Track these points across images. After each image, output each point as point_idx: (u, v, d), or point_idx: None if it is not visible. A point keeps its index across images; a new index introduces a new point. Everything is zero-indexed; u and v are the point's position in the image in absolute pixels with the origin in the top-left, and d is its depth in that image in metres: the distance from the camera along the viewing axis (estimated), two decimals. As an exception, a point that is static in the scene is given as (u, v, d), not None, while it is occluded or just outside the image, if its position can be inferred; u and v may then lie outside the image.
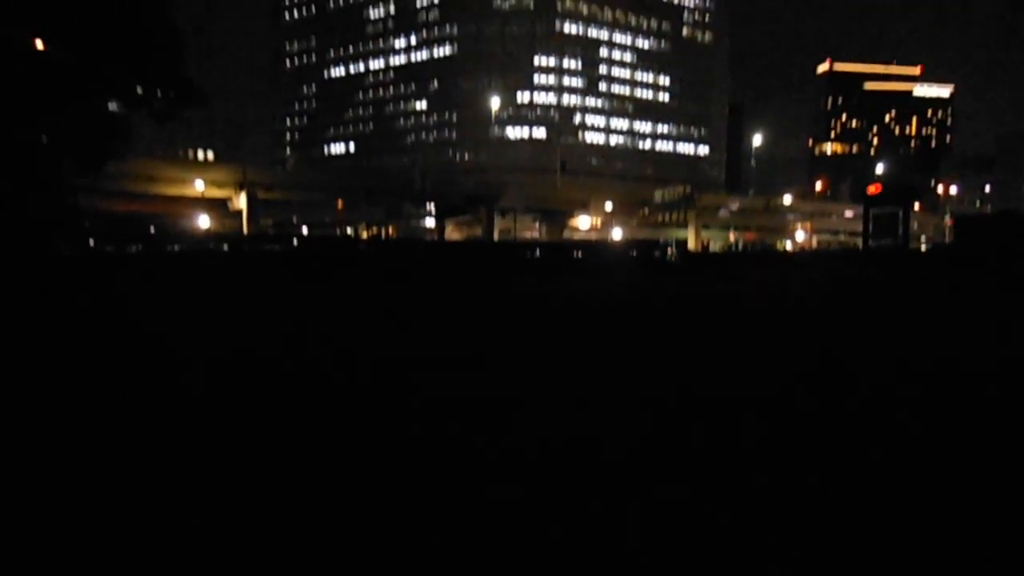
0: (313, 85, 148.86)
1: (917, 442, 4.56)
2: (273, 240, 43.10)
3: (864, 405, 5.59)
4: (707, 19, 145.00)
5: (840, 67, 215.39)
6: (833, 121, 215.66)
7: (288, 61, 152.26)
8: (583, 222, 77.82)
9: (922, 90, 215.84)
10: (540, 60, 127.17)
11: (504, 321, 12.10)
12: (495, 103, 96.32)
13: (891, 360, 7.84)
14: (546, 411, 5.34)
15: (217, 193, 59.83)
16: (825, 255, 51.47)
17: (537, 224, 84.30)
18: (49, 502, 3.49)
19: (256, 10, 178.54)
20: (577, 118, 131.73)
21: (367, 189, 73.63)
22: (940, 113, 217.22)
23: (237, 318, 12.36)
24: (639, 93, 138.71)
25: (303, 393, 5.97)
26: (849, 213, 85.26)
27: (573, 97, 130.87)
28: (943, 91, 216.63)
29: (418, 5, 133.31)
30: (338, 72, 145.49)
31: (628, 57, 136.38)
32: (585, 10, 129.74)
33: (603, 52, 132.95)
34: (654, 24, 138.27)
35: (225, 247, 33.77)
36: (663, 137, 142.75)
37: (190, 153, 66.82)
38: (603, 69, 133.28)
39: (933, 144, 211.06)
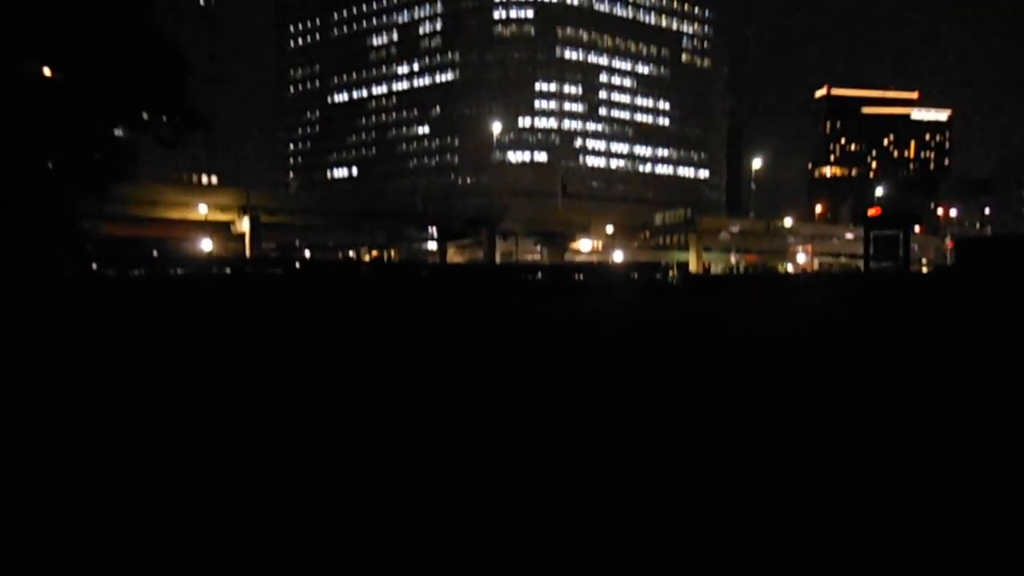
0: (316, 110, 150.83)
1: (917, 468, 4.49)
2: (275, 263, 43.23)
3: (860, 431, 5.52)
4: (705, 45, 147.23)
5: (838, 92, 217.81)
6: (832, 144, 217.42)
7: (292, 87, 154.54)
8: (584, 245, 78.06)
9: (920, 114, 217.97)
10: (541, 86, 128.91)
11: (507, 343, 12.05)
12: (496, 127, 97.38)
13: (890, 384, 7.76)
14: (549, 431, 5.28)
15: (220, 217, 60.18)
16: (826, 277, 51.48)
17: (538, 247, 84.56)
18: (52, 522, 3.44)
19: (262, 37, 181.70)
20: (578, 142, 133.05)
21: (369, 213, 74.05)
22: (938, 136, 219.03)
23: (235, 341, 12.32)
24: (639, 117, 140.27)
25: (300, 422, 5.91)
26: (850, 235, 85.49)
27: (574, 122, 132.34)
28: (941, 115, 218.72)
29: (420, 32, 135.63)
30: (341, 97, 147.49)
31: (628, 82, 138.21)
32: (585, 37, 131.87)
33: (603, 78, 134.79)
34: (653, 50, 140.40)
35: (227, 270, 33.86)
36: (663, 161, 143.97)
37: (194, 177, 67.42)
38: (603, 94, 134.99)
39: (932, 167, 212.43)
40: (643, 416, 5.96)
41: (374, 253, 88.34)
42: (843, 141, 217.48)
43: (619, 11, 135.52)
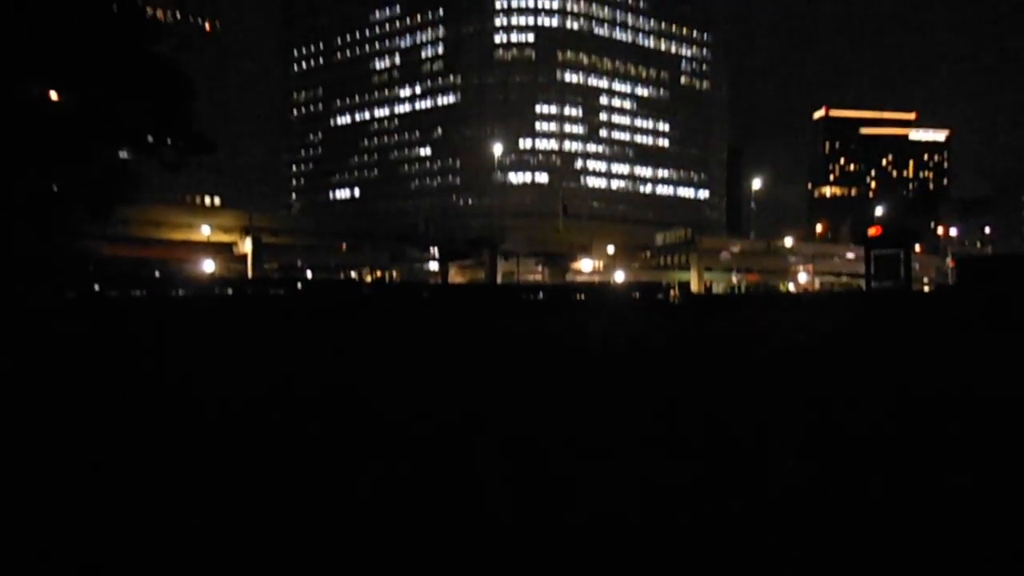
0: (319, 132, 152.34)
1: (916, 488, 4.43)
2: (277, 284, 43.30)
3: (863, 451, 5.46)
4: (704, 68, 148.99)
5: (835, 113, 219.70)
6: (831, 165, 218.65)
7: (296, 110, 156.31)
8: (586, 265, 78.15)
9: (918, 135, 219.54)
10: (542, 108, 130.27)
11: (509, 364, 12.00)
12: (498, 149, 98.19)
13: (894, 401, 7.70)
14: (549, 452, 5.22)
15: (223, 238, 60.42)
16: (830, 297, 51.39)
17: (540, 267, 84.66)
18: (53, 542, 3.39)
19: (267, 61, 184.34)
20: (579, 163, 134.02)
21: (371, 233, 74.36)
22: (936, 156, 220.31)
23: (234, 362, 12.28)
24: (639, 139, 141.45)
25: (299, 439, 5.86)
26: (850, 255, 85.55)
27: (574, 143, 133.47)
28: (938, 135, 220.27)
29: (423, 56, 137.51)
30: (344, 120, 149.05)
31: (628, 104, 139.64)
32: (585, 60, 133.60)
33: (603, 100, 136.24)
34: (652, 73, 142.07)
35: (229, 291, 33.91)
36: (663, 181, 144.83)
37: (197, 199, 67.89)
38: (603, 116, 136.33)
39: (930, 187, 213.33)
40: (649, 439, 5.90)
41: (377, 274, 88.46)
42: (842, 161, 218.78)
43: (619, 35, 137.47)
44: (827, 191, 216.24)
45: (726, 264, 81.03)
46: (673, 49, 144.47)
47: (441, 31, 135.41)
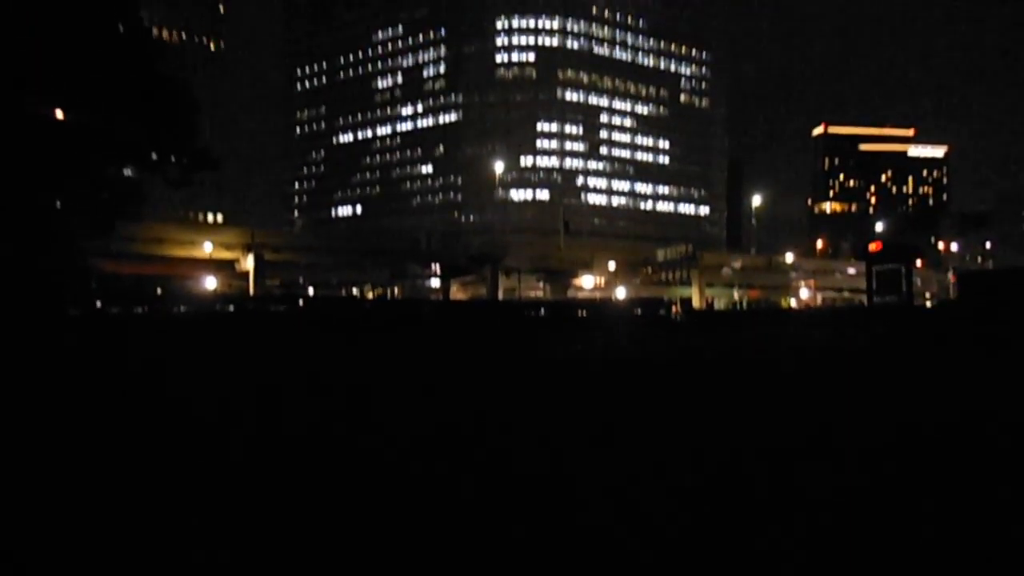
0: (322, 150, 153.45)
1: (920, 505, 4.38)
2: (279, 301, 43.32)
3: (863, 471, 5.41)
4: (703, 86, 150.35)
5: (834, 129, 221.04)
6: (831, 181, 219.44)
7: (299, 128, 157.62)
8: (587, 281, 78.18)
9: (917, 151, 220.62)
10: (542, 126, 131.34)
11: (511, 381, 11.95)
12: (499, 167, 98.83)
13: (896, 419, 7.64)
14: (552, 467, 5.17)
15: (225, 255, 60.57)
16: (833, 312, 51.30)
17: (541, 283, 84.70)
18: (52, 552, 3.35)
19: (270, 80, 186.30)
20: (579, 180, 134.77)
21: (373, 250, 74.56)
22: (935, 172, 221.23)
23: (233, 379, 12.24)
24: (639, 156, 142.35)
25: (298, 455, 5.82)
26: (852, 270, 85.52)
27: (575, 160, 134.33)
28: (937, 151, 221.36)
29: (424, 75, 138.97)
30: (346, 138, 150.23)
31: (628, 122, 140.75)
32: (585, 79, 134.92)
33: (603, 118, 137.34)
34: (652, 91, 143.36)
35: (231, 308, 33.92)
36: (663, 198, 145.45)
37: (199, 216, 68.15)
38: (604, 134, 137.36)
39: (930, 202, 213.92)
40: (651, 458, 5.86)
41: (378, 291, 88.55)
42: (841, 177, 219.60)
43: (618, 54, 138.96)
44: (827, 207, 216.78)
45: (728, 280, 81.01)
46: (672, 67, 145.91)
47: (443, 50, 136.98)
